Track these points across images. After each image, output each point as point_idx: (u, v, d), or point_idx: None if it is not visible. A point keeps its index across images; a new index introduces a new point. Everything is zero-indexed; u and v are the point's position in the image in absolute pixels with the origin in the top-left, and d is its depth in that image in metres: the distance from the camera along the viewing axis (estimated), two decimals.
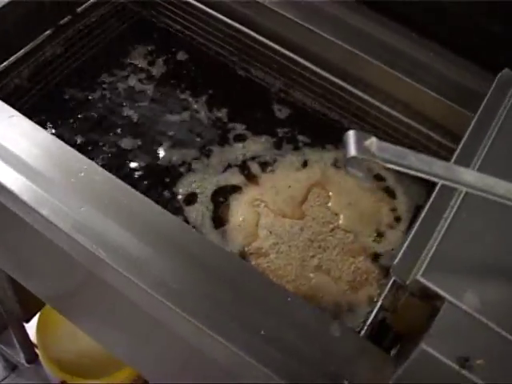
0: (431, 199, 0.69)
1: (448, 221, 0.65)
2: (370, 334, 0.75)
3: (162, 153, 1.01)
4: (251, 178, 1.04)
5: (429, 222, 0.67)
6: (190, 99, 1.08)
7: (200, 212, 0.97)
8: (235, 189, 1.01)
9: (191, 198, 0.98)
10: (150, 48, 1.14)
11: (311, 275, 0.96)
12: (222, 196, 1.00)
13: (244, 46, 1.09)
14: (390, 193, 1.06)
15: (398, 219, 1.03)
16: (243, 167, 1.04)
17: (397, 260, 0.63)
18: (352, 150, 0.49)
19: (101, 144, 0.99)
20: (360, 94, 1.02)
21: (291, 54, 1.05)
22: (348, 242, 1.00)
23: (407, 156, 0.50)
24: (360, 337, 0.71)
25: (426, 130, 0.99)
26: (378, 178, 1.06)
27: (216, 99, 1.09)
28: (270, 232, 0.99)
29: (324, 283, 0.95)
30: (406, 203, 1.04)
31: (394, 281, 0.64)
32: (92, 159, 0.78)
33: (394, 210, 1.04)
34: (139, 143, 1.01)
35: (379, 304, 0.78)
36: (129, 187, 0.76)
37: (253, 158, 1.06)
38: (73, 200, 0.73)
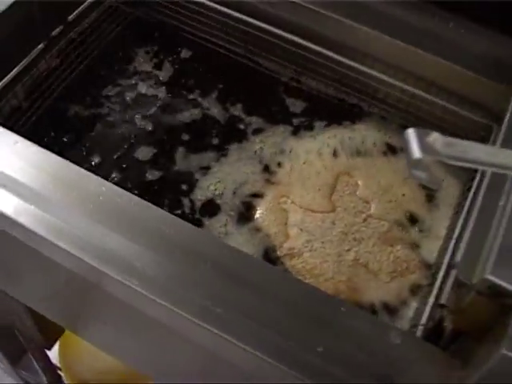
0: (484, 186, 0.63)
1: (508, 209, 0.59)
2: (427, 335, 0.70)
3: (179, 159, 0.95)
4: (274, 174, 0.98)
5: (485, 211, 0.61)
6: (201, 98, 1.02)
7: (224, 217, 0.92)
8: (258, 187, 0.96)
9: (213, 204, 0.93)
10: (151, 49, 1.07)
11: (349, 270, 0.91)
12: (245, 197, 0.95)
13: (249, 36, 1.03)
14: None
15: (433, 204, 0.98)
16: (264, 163, 0.99)
17: (460, 258, 0.57)
18: (416, 151, 0.44)
19: (115, 158, 0.93)
20: (381, 75, 0.97)
21: (300, 40, 0.99)
22: (383, 231, 0.95)
23: (474, 150, 0.44)
24: (422, 341, 0.66)
25: (465, 111, 0.93)
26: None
27: (228, 94, 1.04)
28: (301, 229, 0.94)
29: (364, 277, 0.90)
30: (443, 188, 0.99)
31: (457, 279, 0.59)
32: (109, 176, 0.72)
33: (427, 194, 0.99)
34: (155, 151, 0.95)
35: (432, 301, 0.73)
36: (153, 207, 0.70)
37: (274, 153, 1.00)
38: (96, 229, 0.67)
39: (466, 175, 0.96)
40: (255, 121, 1.02)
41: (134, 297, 0.65)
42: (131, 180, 0.91)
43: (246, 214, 0.93)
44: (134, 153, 0.94)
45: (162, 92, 1.02)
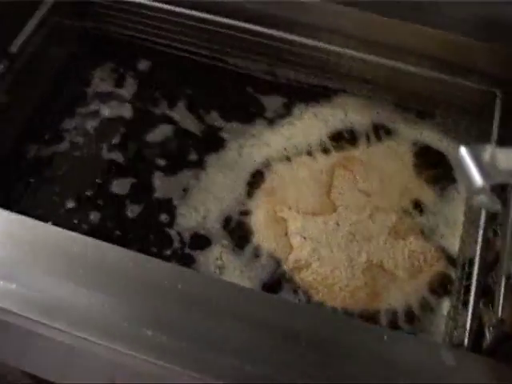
0: None
1: None
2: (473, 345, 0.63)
3: (158, 186, 0.86)
4: (261, 181, 0.90)
5: None
6: (170, 110, 0.93)
7: (217, 249, 0.83)
8: (247, 202, 0.88)
9: (200, 235, 0.84)
10: (108, 67, 0.98)
11: (364, 274, 0.83)
12: (235, 216, 0.86)
13: (211, 34, 0.93)
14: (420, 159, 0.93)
15: (442, 188, 0.90)
16: (248, 170, 0.90)
17: None
18: (477, 179, 0.36)
19: (90, 197, 0.84)
20: (362, 55, 0.88)
21: (268, 31, 0.90)
22: (392, 224, 0.87)
23: None
24: (477, 356, 0.59)
25: (463, 80, 0.85)
26: None
27: (199, 102, 0.95)
28: (304, 238, 0.86)
29: (381, 279, 0.83)
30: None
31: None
32: (87, 219, 0.64)
33: (427, 178, 0.91)
34: (132, 182, 0.86)
35: (472, 305, 0.66)
36: (140, 255, 0.62)
37: (257, 156, 0.92)
38: (76, 295, 0.59)
39: None
40: (233, 126, 0.93)
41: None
42: (111, 219, 0.82)
43: (240, 238, 0.84)
44: (109, 188, 0.85)
45: (127, 111, 0.93)
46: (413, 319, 0.78)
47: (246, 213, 0.86)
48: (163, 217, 0.83)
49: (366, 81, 0.95)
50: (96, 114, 0.92)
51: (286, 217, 0.87)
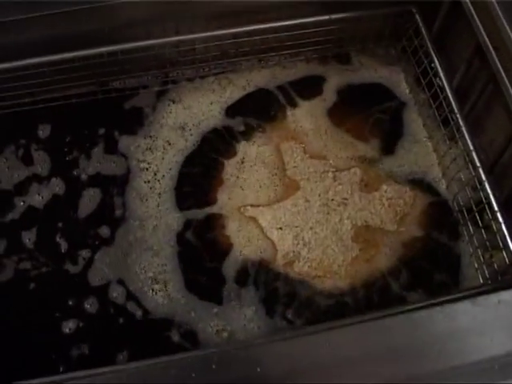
0: None
1: None
2: None
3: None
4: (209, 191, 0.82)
5: None
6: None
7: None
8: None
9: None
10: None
11: (356, 241, 0.78)
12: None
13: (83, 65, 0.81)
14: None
15: (379, 127, 0.86)
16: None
17: None
18: None
19: None
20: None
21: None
22: (359, 179, 0.82)
23: None
24: None
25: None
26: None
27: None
28: (281, 228, 0.79)
29: (374, 239, 0.78)
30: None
31: None
32: None
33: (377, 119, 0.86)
34: None
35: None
36: None
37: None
38: None
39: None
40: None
41: None
42: None
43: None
44: None
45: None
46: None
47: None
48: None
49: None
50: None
51: (254, 214, 0.80)
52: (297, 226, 0.79)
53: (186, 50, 0.83)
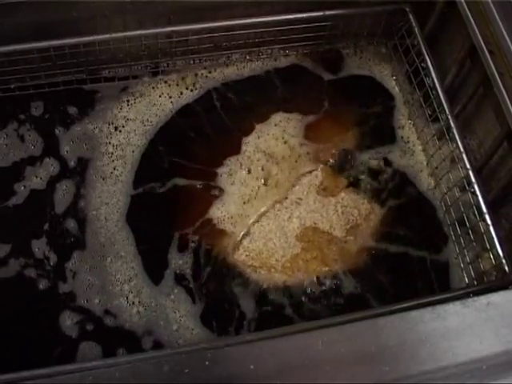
0: None
1: None
2: None
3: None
4: None
5: None
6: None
7: None
8: None
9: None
10: None
11: (300, 240, 0.78)
12: None
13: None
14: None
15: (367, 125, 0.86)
16: None
17: None
18: None
19: None
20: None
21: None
22: (319, 182, 0.82)
23: None
24: None
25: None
26: None
27: None
28: (232, 217, 0.78)
29: (320, 241, 0.77)
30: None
31: None
32: None
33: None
34: None
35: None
36: None
37: None
38: None
39: None
40: None
41: None
42: None
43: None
44: None
45: None
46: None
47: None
48: None
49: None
50: None
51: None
52: (247, 216, 0.79)
53: (178, 40, 0.82)
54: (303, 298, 0.74)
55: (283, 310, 0.73)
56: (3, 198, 0.78)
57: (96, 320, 0.71)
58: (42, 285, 0.73)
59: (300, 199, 0.80)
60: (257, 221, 0.78)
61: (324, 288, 0.75)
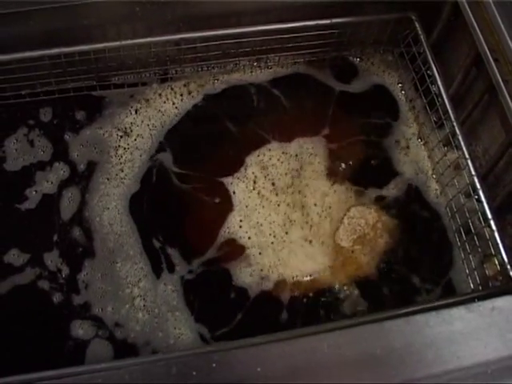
0: None
1: None
2: None
3: None
4: None
5: None
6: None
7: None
8: None
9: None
10: None
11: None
12: None
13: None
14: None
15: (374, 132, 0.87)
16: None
17: None
18: None
19: None
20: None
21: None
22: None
23: None
24: None
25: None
26: None
27: None
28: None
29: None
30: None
31: None
32: None
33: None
34: None
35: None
36: None
37: None
38: None
39: None
40: None
41: None
42: None
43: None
44: None
45: None
46: None
47: None
48: None
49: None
50: None
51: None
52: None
53: (187, 48, 0.84)
54: (311, 305, 0.75)
55: (291, 318, 0.74)
56: (15, 202, 0.78)
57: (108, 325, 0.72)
58: (56, 298, 0.73)
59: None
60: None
61: (331, 295, 0.75)
